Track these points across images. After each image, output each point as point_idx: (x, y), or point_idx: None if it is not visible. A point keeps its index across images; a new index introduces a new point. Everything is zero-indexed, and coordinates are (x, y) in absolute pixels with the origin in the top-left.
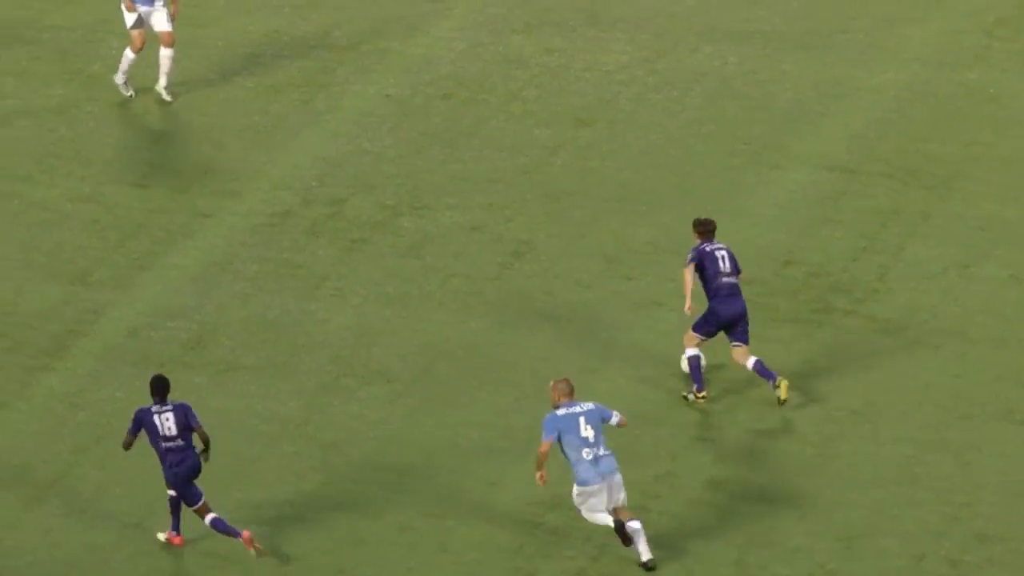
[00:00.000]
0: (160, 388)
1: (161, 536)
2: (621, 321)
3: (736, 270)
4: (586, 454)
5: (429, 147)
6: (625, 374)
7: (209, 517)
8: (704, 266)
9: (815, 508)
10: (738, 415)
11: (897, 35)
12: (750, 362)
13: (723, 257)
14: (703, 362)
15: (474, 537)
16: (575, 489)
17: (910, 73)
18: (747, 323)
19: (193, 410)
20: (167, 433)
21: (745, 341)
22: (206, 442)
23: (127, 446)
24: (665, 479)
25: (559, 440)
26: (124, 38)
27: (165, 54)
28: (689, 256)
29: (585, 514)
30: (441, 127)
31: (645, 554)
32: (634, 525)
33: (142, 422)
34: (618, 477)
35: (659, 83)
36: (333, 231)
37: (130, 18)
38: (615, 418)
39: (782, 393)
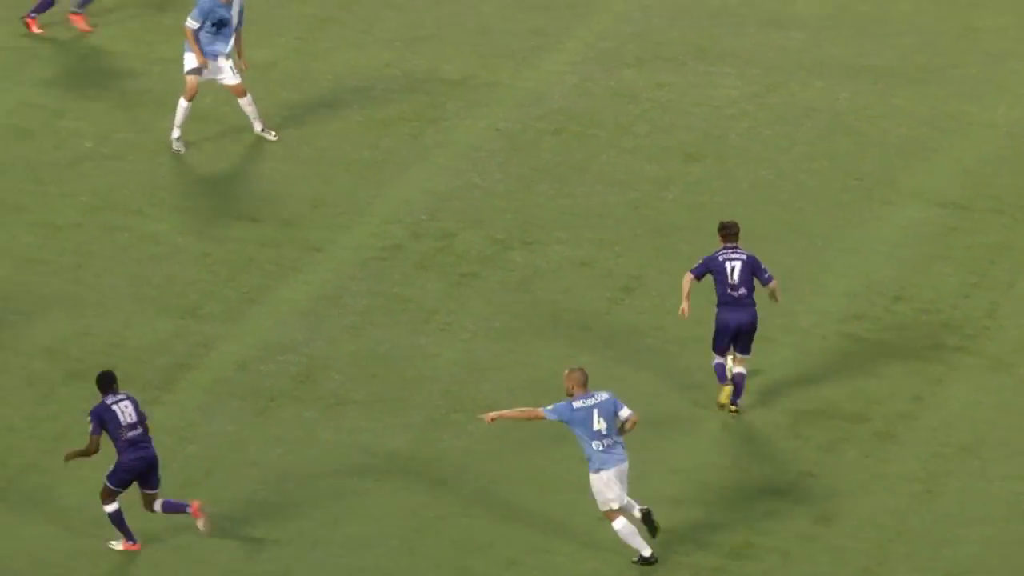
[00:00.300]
0: (109, 381)
1: (117, 546)
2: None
3: (748, 282)
4: (597, 445)
5: (539, 181)
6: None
7: (158, 503)
8: (713, 277)
9: (924, 545)
10: (846, 452)
11: (1010, 70)
12: (734, 368)
13: (733, 269)
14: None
15: (582, 572)
16: (592, 479)
17: (1023, 109)
18: (751, 337)
19: (139, 402)
20: (129, 421)
21: (745, 352)
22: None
23: (95, 448)
24: (774, 515)
25: (572, 429)
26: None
27: (245, 102)
28: (696, 265)
29: (619, 532)
30: (551, 162)
31: (638, 508)
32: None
33: (103, 418)
34: (625, 466)
35: (770, 118)
36: (443, 265)
37: (189, 62)
38: (625, 411)
39: (722, 398)
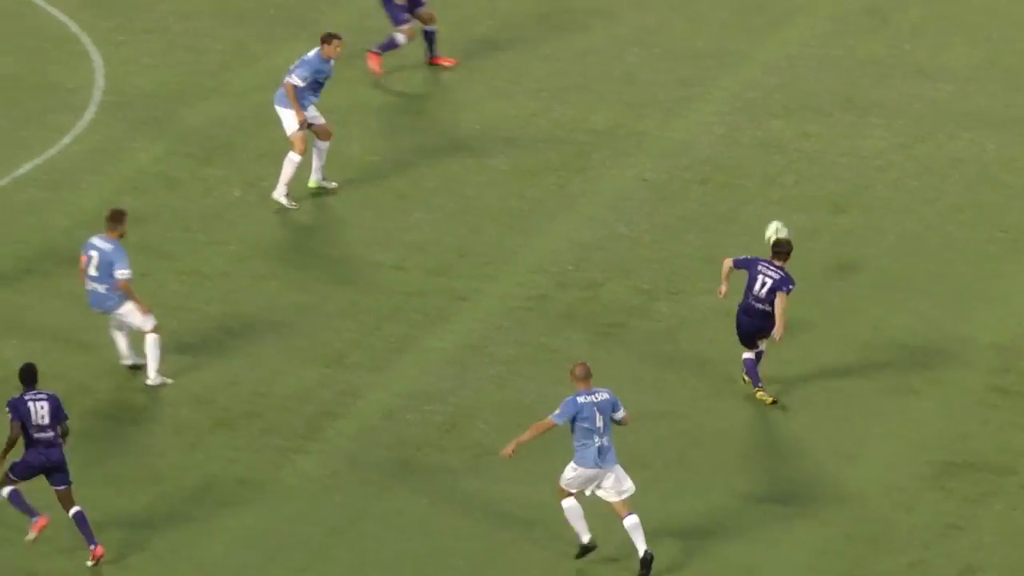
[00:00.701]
0: (30, 376)
1: (31, 535)
2: (877, 408)
3: (770, 299)
4: (595, 440)
5: (686, 232)
6: (880, 461)
7: (73, 510)
8: (748, 276)
9: None
10: (992, 504)
11: None
12: (745, 355)
13: (764, 284)
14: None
15: None
16: (571, 466)
17: None
18: (759, 337)
19: (62, 403)
20: (40, 422)
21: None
22: (66, 434)
23: (12, 442)
24: (918, 566)
25: (571, 422)
26: (371, 116)
27: (324, 146)
28: (742, 258)
29: (566, 510)
30: (698, 212)
31: (641, 547)
32: (631, 520)
33: (19, 410)
34: (619, 468)
35: (917, 169)
36: (588, 315)
37: (290, 120)
38: (621, 412)
39: (766, 399)
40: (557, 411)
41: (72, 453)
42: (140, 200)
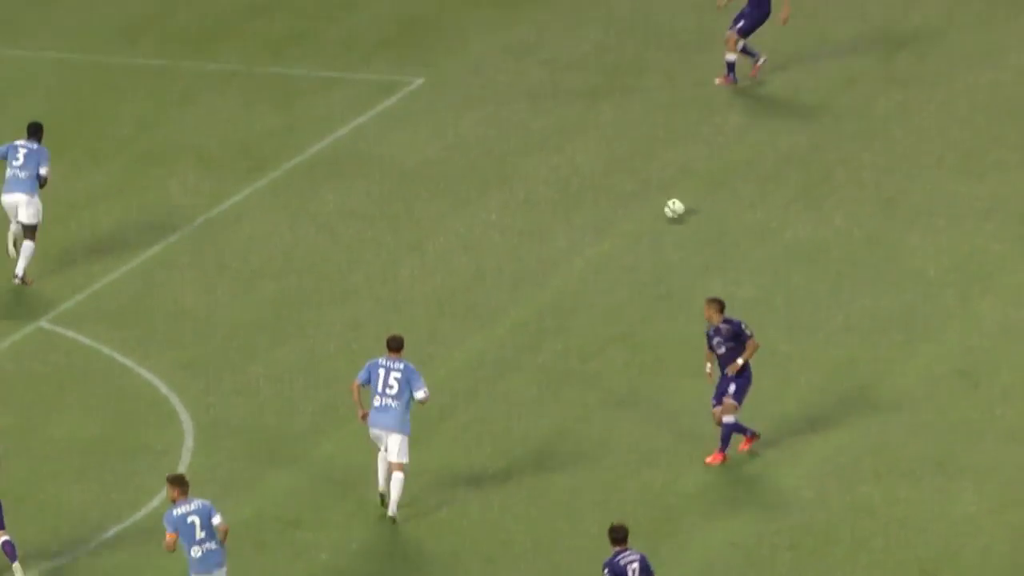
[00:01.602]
0: None
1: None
2: None
3: None
4: None
5: None
6: None
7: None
8: None
9: None
10: None
11: None
12: None
13: (635, 571)
14: None
15: None
16: None
17: None
18: None
19: None
20: None
21: None
22: None
23: None
24: None
25: None
26: (450, 434)
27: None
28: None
29: None
30: None
31: None
32: None
33: None
34: None
35: (1008, 534)
36: None
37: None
38: None
39: None
40: None
41: None
42: (228, 563)
